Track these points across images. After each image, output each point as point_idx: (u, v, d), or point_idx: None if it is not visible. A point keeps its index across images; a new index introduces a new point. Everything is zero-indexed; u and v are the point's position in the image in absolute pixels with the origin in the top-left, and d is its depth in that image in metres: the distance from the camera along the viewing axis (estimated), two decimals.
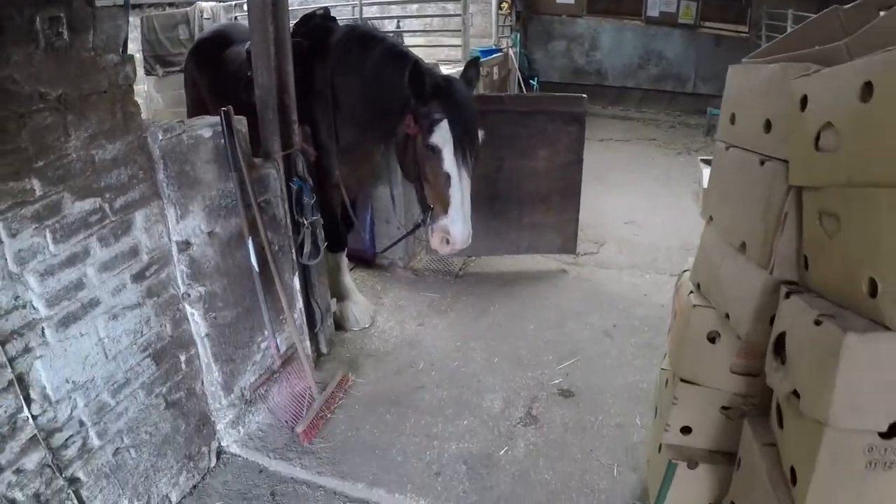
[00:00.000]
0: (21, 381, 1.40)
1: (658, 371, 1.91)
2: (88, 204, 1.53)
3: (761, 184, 1.29)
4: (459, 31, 5.55)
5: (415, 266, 3.69)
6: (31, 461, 1.45)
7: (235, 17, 5.90)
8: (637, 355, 2.76)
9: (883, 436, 1.01)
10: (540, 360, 2.75)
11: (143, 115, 1.73)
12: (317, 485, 2.07)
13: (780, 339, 1.21)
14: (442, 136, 2.20)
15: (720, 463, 1.60)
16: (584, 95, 3.39)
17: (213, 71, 3.04)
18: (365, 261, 3.64)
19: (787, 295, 1.20)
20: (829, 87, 1.07)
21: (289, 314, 2.25)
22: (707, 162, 4.31)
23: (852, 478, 1.06)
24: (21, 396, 1.40)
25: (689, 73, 8.16)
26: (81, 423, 1.59)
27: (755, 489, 1.30)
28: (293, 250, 2.38)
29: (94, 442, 1.64)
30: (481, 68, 3.51)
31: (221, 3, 6.11)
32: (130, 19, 1.72)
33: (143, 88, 5.97)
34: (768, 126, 1.28)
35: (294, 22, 2.57)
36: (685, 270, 1.75)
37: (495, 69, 5.92)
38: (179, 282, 1.88)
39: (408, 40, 5.30)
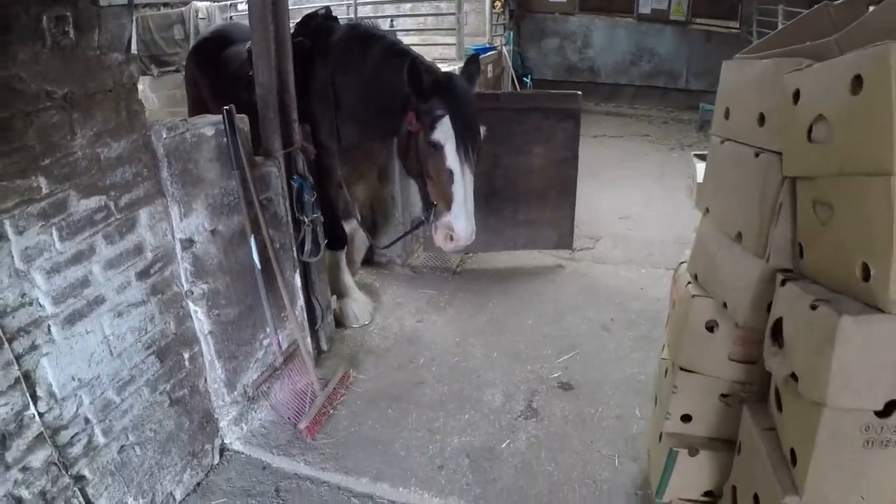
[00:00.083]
0: (28, 379, 1.40)
1: (656, 362, 1.94)
2: (94, 202, 1.54)
3: (756, 175, 1.32)
4: (453, 29, 5.58)
5: (413, 263, 3.71)
6: (38, 459, 1.45)
7: (230, 17, 5.89)
8: (635, 348, 2.79)
9: (879, 414, 1.05)
10: (539, 355, 2.77)
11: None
12: (321, 480, 2.08)
13: (778, 325, 1.24)
14: (444, 132, 2.20)
15: (720, 450, 1.62)
16: (579, 92, 3.40)
17: (213, 70, 3.04)
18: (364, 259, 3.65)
19: (783, 282, 1.23)
20: (820, 81, 1.10)
21: (290, 311, 2.26)
22: (700, 157, 4.36)
23: (850, 457, 1.09)
24: (28, 394, 1.40)
25: (681, 70, 8.22)
26: (87, 421, 1.59)
27: (756, 472, 1.33)
28: (294, 248, 2.39)
29: (100, 439, 1.64)
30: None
31: (216, 3, 6.10)
32: None
33: (139, 88, 5.94)
34: (762, 119, 1.31)
35: (294, 22, 2.58)
36: (682, 262, 1.77)
37: (489, 67, 5.96)
38: (183, 279, 1.89)
39: (402, 39, 5.31)
